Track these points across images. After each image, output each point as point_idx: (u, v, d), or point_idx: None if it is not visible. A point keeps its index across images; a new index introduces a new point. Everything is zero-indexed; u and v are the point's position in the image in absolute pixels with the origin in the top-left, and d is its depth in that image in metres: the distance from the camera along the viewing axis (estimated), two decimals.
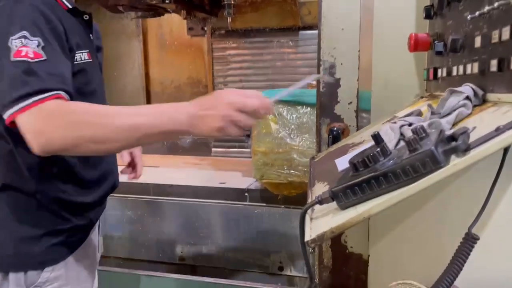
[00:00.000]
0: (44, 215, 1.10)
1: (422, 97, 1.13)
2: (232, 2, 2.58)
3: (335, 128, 1.24)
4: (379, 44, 1.20)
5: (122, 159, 1.46)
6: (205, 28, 3.06)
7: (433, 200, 0.89)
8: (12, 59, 0.88)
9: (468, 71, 0.76)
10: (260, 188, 2.22)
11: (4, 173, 1.08)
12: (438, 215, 0.89)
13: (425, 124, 0.66)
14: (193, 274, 2.28)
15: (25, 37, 0.90)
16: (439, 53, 0.92)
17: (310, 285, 0.82)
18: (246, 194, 2.23)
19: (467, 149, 0.56)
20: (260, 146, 2.11)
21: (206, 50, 3.22)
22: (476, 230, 0.66)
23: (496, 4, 0.66)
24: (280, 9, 2.85)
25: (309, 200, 0.80)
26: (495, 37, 0.65)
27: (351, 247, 1.21)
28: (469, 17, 0.75)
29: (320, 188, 0.84)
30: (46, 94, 0.87)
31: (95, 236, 1.31)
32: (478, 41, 0.72)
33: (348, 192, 0.63)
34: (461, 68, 0.80)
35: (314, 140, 1.62)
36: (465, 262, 0.66)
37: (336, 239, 1.22)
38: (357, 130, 1.24)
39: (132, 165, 1.49)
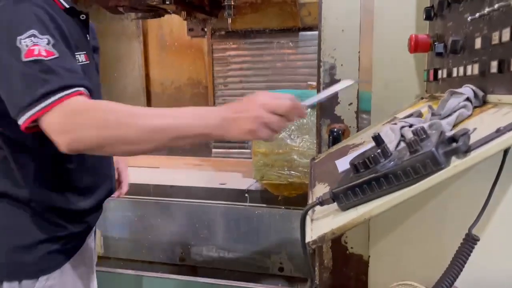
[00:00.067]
0: (38, 223, 1.07)
1: (422, 98, 1.13)
2: (232, 3, 2.58)
3: (335, 129, 1.24)
4: (379, 45, 1.21)
5: None
6: (205, 29, 3.06)
7: (434, 201, 0.89)
8: (24, 59, 0.85)
9: (469, 72, 0.76)
10: (260, 189, 2.23)
11: None
12: (439, 216, 0.89)
13: (425, 126, 0.66)
14: (193, 275, 2.29)
15: (34, 35, 0.86)
16: (439, 54, 0.92)
17: (310, 286, 0.83)
18: (246, 195, 2.24)
19: (467, 150, 0.56)
20: (260, 147, 2.11)
21: (206, 51, 3.23)
22: (477, 231, 0.66)
23: (496, 6, 0.66)
24: (280, 10, 2.86)
25: (310, 201, 0.80)
26: (495, 39, 0.66)
27: (351, 247, 1.21)
28: (469, 18, 0.75)
29: (320, 189, 0.85)
30: (69, 91, 0.84)
31: (92, 242, 1.28)
32: (478, 43, 0.72)
33: (349, 193, 0.63)
34: (461, 69, 0.80)
35: (315, 141, 1.62)
36: (465, 263, 0.66)
37: (336, 240, 1.22)
38: (358, 131, 1.24)
39: (118, 181, 1.44)
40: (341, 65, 1.24)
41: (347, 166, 0.70)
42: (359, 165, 0.63)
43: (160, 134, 0.83)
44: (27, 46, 0.85)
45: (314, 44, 2.76)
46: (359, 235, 1.18)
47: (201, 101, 3.44)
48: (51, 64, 0.86)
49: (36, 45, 0.86)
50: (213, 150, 3.04)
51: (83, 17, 1.10)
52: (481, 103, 0.72)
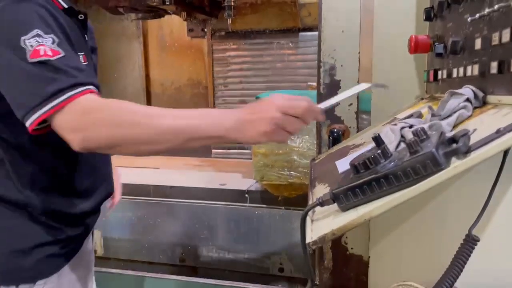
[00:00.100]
0: (35, 227, 1.05)
1: (422, 99, 1.14)
2: (232, 4, 2.59)
3: (335, 130, 1.25)
4: (379, 46, 1.21)
5: None
6: (205, 30, 3.07)
7: (434, 201, 0.89)
8: (30, 60, 0.83)
9: (469, 73, 0.76)
10: (260, 190, 2.23)
11: None
12: (439, 216, 0.89)
13: (425, 126, 0.66)
14: (193, 275, 2.29)
15: (39, 35, 0.84)
16: (439, 55, 0.92)
17: (311, 287, 0.82)
18: (246, 195, 2.24)
19: (467, 151, 0.57)
20: (260, 147, 2.11)
21: (206, 52, 3.23)
22: (477, 232, 0.66)
23: (496, 7, 0.66)
24: (280, 11, 2.86)
25: (310, 202, 0.80)
26: (495, 39, 0.66)
27: (351, 248, 1.21)
28: (469, 19, 0.75)
29: (320, 190, 0.85)
30: (79, 89, 0.83)
31: (90, 244, 1.26)
32: (478, 43, 0.72)
33: (349, 194, 0.63)
34: (461, 70, 0.80)
35: (315, 142, 1.62)
36: (465, 263, 0.66)
37: (336, 241, 1.23)
38: (358, 131, 1.24)
39: None
40: (341, 65, 1.24)
41: (347, 166, 0.70)
42: (359, 165, 0.63)
43: (173, 135, 0.82)
44: (32, 46, 0.83)
45: (314, 44, 2.76)
46: (359, 235, 1.18)
47: (201, 102, 3.44)
48: (58, 63, 0.84)
49: (41, 45, 0.84)
50: (213, 150, 3.04)
51: (81, 17, 1.07)
52: (481, 103, 0.72)
